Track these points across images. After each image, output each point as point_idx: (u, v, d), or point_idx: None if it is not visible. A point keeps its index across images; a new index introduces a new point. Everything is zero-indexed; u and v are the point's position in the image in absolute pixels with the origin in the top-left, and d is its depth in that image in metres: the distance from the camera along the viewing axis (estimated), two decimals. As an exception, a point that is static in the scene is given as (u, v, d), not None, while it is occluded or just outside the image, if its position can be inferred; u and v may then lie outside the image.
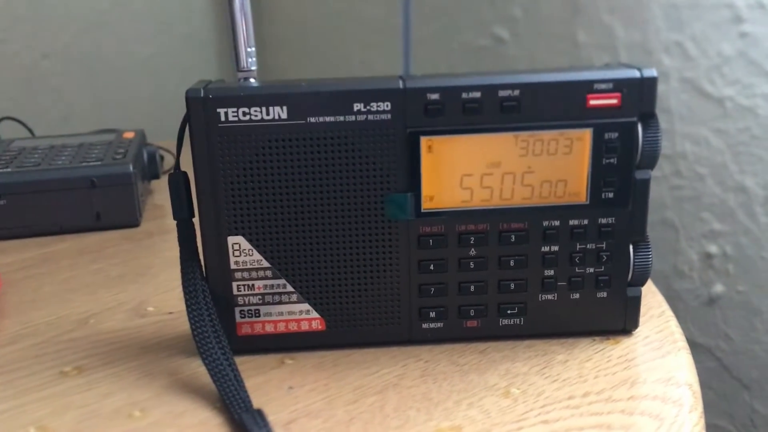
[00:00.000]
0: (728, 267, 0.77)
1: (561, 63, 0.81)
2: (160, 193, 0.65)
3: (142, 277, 0.47)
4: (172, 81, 0.97)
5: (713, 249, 0.78)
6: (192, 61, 1.01)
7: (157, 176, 0.63)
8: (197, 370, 0.35)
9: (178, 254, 0.35)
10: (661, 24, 0.75)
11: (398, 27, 0.95)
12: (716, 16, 0.71)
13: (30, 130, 0.74)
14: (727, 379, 0.79)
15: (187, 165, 0.34)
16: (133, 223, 0.56)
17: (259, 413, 0.30)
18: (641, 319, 0.37)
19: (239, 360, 0.35)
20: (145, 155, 0.61)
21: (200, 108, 0.33)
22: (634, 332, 0.37)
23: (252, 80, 0.35)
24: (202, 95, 0.33)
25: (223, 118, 0.33)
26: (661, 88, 0.77)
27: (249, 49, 0.34)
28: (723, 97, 0.73)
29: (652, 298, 0.40)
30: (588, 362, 0.34)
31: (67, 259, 0.50)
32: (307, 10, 1.08)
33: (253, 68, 0.35)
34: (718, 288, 0.78)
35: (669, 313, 0.39)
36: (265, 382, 0.34)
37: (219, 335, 0.34)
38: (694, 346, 0.79)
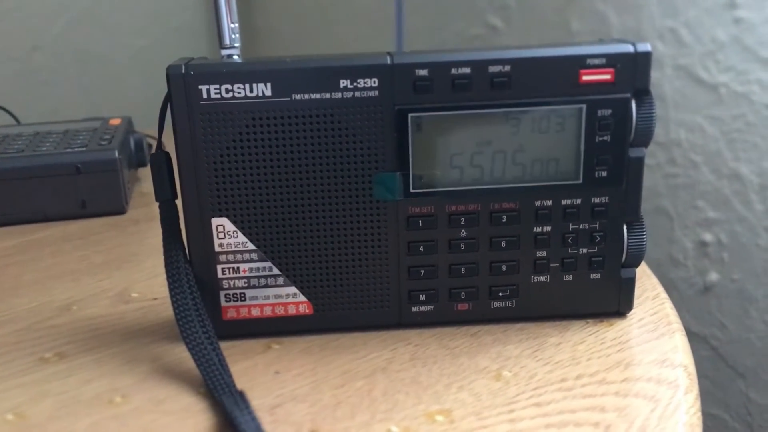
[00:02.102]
0: (723, 255, 0.77)
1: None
2: (147, 180, 0.64)
3: (127, 263, 0.46)
4: (163, 72, 0.96)
5: (708, 237, 0.77)
6: (184, 53, 0.99)
7: (144, 164, 0.62)
8: (181, 355, 0.34)
9: (161, 227, 0.34)
10: (655, 10, 0.74)
11: (391, 16, 0.94)
12: (710, 2, 0.71)
13: (16, 119, 0.73)
14: (722, 367, 0.79)
15: (170, 146, 0.33)
16: (119, 210, 0.55)
17: (241, 395, 0.29)
18: (636, 302, 0.36)
19: (225, 345, 0.34)
20: (132, 142, 0.60)
21: (181, 85, 0.32)
22: (628, 314, 0.36)
23: (236, 57, 0.34)
24: (183, 72, 0.32)
25: (205, 96, 0.32)
26: (655, 74, 0.77)
27: (232, 25, 0.33)
28: (717, 83, 0.72)
29: (647, 281, 0.39)
30: (581, 345, 0.33)
31: (51, 247, 0.49)
32: (299, 0, 1.07)
33: (237, 44, 0.34)
34: (713, 276, 0.78)
35: (664, 296, 0.38)
36: (251, 367, 0.33)
37: (203, 319, 0.33)
38: (690, 335, 0.78)
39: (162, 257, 0.34)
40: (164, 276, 0.33)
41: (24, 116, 0.74)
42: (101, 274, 0.44)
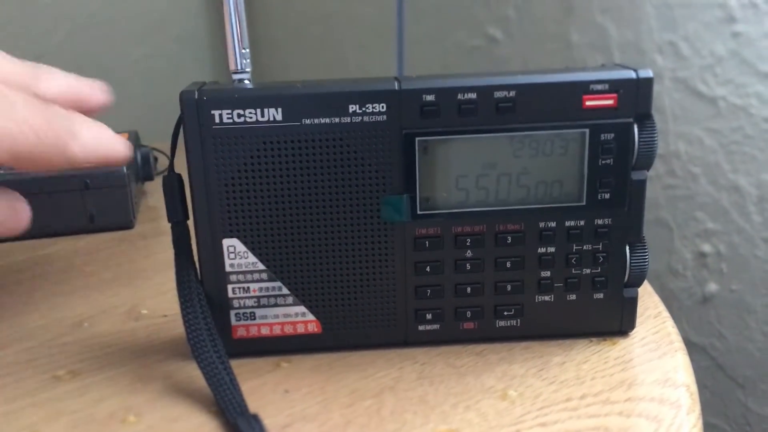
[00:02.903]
0: (722, 266, 0.77)
1: (554, 63, 0.81)
2: (154, 194, 0.65)
3: (135, 279, 0.46)
4: (166, 81, 0.97)
5: (707, 248, 0.78)
6: (186, 62, 1.00)
7: (150, 178, 0.63)
8: (192, 373, 0.34)
9: (172, 256, 0.35)
10: (654, 24, 0.75)
11: (392, 27, 0.94)
12: (709, 16, 0.71)
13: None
14: (721, 377, 0.80)
15: (181, 167, 0.34)
16: (127, 225, 0.55)
17: (255, 418, 0.30)
18: (638, 320, 0.37)
19: (235, 363, 0.34)
20: (139, 156, 0.61)
21: (194, 109, 0.32)
22: (630, 333, 0.37)
23: (246, 81, 0.34)
24: (196, 97, 0.32)
25: (217, 120, 0.33)
26: (654, 87, 0.77)
27: (243, 50, 0.34)
28: (716, 96, 0.73)
29: (648, 299, 0.40)
30: (585, 364, 0.34)
31: (60, 262, 0.50)
32: (301, 10, 1.07)
33: (248, 69, 0.34)
34: (712, 287, 0.78)
35: (665, 314, 0.39)
36: (261, 386, 0.33)
37: (214, 338, 0.33)
38: (689, 345, 0.79)
39: (171, 273, 0.34)
40: (173, 292, 0.34)
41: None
42: (111, 290, 0.45)
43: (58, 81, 0.38)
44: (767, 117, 0.71)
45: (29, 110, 0.30)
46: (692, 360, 0.33)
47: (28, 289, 0.46)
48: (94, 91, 0.39)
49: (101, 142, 0.33)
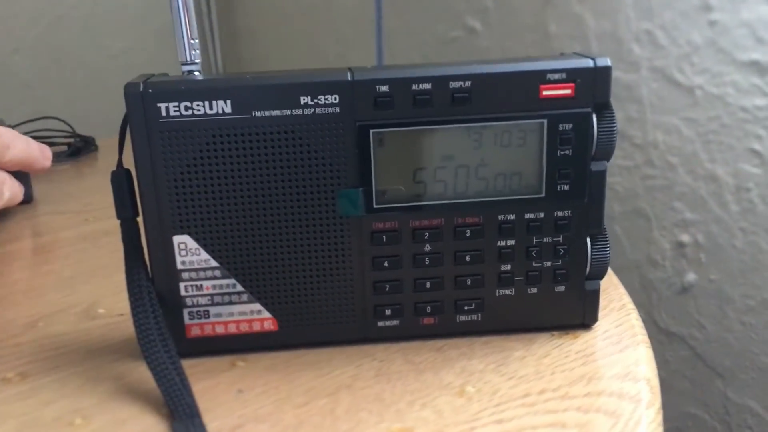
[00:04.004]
0: (700, 256, 0.77)
1: (533, 53, 0.80)
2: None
3: (95, 277, 0.45)
4: (144, 74, 0.95)
5: (685, 238, 0.78)
6: (165, 55, 0.99)
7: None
8: (144, 374, 0.33)
9: (122, 245, 0.34)
10: (631, 13, 0.74)
11: (371, 19, 0.93)
12: (685, 5, 0.71)
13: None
14: (700, 367, 0.79)
15: (129, 162, 0.33)
16: None
17: (195, 422, 0.29)
18: (601, 313, 0.36)
19: (189, 363, 0.33)
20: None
21: (140, 102, 0.31)
22: (593, 326, 0.36)
23: (196, 73, 0.33)
24: (141, 89, 0.31)
25: (164, 113, 0.32)
26: (631, 77, 0.77)
27: (192, 41, 0.33)
28: (693, 85, 0.73)
29: (613, 291, 0.39)
30: (546, 358, 0.33)
31: (20, 261, 0.49)
32: (281, 2, 1.06)
33: (197, 60, 0.33)
34: (691, 277, 0.78)
35: (630, 306, 0.38)
36: (214, 386, 0.33)
37: (165, 338, 0.33)
38: (668, 335, 0.79)
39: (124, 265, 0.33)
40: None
41: (4, 118, 0.74)
42: (69, 288, 0.44)
43: (16, 150, 0.55)
44: (744, 106, 0.71)
45: None
46: (672, 350, 0.32)
47: (-16, 288, 0.45)
48: (43, 157, 0.59)
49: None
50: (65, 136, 0.77)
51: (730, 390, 0.78)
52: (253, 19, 1.08)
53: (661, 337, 0.79)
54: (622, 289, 0.40)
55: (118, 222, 0.34)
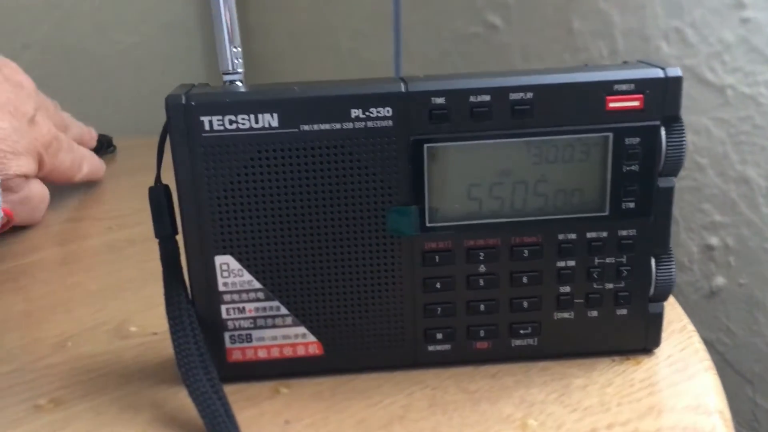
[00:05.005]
0: (729, 259, 0.75)
1: (555, 51, 0.78)
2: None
3: (123, 291, 0.43)
4: (156, 70, 0.94)
5: (714, 241, 0.76)
6: (176, 50, 0.97)
7: None
8: (185, 401, 0.32)
9: (161, 265, 0.32)
10: (660, 10, 0.72)
11: (388, 13, 0.91)
12: (717, 2, 0.69)
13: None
14: (729, 373, 0.78)
15: (168, 177, 0.31)
16: None
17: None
18: (662, 335, 0.34)
19: (230, 388, 0.32)
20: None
21: (181, 116, 0.30)
22: (655, 351, 0.34)
23: (239, 83, 0.31)
24: (183, 102, 0.30)
25: (207, 127, 0.30)
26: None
27: (235, 49, 0.31)
28: (724, 85, 0.71)
29: (671, 311, 0.37)
30: (609, 387, 0.32)
31: (44, 273, 0.47)
32: (293, -4, 1.04)
33: (240, 70, 0.31)
34: (719, 280, 0.76)
35: (690, 328, 0.36)
36: (259, 416, 0.31)
37: (206, 365, 0.31)
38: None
39: (161, 284, 0.32)
40: (164, 306, 0.31)
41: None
42: (97, 304, 0.42)
43: (73, 131, 0.63)
44: (777, 106, 0.69)
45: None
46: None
47: (6, 303, 0.43)
48: (90, 138, 0.67)
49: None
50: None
51: (759, 396, 0.77)
52: (266, 14, 1.06)
53: (689, 343, 0.77)
54: (680, 309, 0.38)
55: (143, 230, 0.32)
